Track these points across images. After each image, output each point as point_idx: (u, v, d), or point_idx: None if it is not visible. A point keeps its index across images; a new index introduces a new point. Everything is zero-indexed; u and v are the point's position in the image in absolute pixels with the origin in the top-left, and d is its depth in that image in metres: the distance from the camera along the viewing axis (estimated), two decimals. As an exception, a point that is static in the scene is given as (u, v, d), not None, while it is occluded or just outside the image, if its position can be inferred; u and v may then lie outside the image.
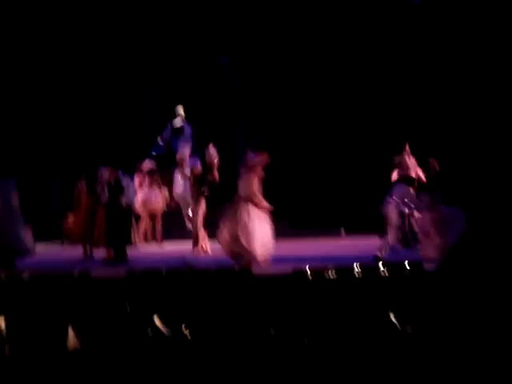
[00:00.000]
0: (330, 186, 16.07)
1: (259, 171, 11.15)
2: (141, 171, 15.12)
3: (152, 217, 15.25)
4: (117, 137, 17.06)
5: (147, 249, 14.49)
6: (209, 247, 13.20)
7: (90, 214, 13.16)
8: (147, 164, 15.31)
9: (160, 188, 15.23)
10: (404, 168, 12.36)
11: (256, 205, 10.93)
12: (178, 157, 14.71)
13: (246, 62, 16.88)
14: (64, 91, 17.28)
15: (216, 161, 13.35)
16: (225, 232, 11.00)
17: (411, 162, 12.68)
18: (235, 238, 10.81)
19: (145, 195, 15.03)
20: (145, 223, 15.13)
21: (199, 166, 13.41)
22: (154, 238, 15.20)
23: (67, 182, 16.19)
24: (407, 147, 12.59)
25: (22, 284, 9.21)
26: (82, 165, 15.13)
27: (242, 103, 17.06)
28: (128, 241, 12.55)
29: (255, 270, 9.71)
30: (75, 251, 13.47)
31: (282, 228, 15.41)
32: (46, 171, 17.14)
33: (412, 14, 16.09)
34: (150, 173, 15.18)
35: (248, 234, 10.76)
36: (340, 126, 16.33)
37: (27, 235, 11.81)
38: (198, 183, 13.22)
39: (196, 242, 13.12)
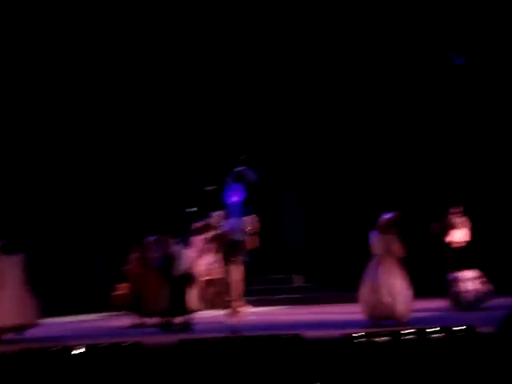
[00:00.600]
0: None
1: (394, 229, 11.21)
2: (201, 236, 14.99)
3: (215, 283, 15.13)
4: (163, 203, 17.22)
5: (203, 316, 14.37)
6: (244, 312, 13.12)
7: (141, 283, 13.28)
8: (213, 233, 15.12)
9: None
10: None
11: (395, 262, 10.99)
12: (210, 222, 14.51)
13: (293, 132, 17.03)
14: (106, 166, 17.53)
15: (257, 227, 13.41)
16: (367, 294, 11.01)
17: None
18: (378, 300, 10.84)
19: (209, 262, 14.92)
20: (208, 289, 15.03)
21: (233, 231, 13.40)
22: (216, 304, 15.10)
23: (113, 253, 16.38)
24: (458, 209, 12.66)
25: (72, 356, 9.29)
26: (127, 236, 15.31)
27: (289, 170, 17.16)
28: (185, 309, 12.52)
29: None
30: (125, 321, 13.54)
31: (332, 292, 15.41)
32: (90, 245, 17.32)
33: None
34: (213, 240, 15.03)
35: (391, 294, 10.79)
36: (384, 189, 16.34)
37: (28, 307, 12.12)
38: (234, 250, 13.16)
39: (235, 310, 12.99)
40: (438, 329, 8.00)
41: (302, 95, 16.98)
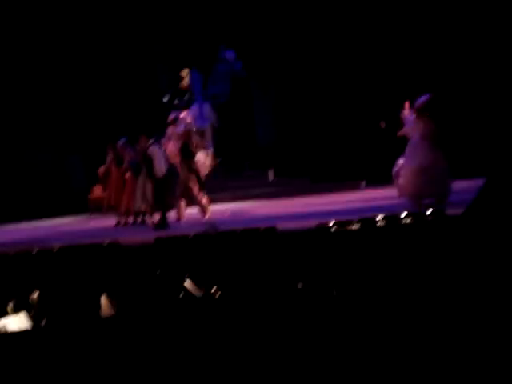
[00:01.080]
0: (347, 140, 16.11)
1: (429, 112, 11.21)
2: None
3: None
4: (133, 102, 17.12)
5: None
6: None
7: (117, 183, 13.39)
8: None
9: (207, 149, 14.95)
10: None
11: (430, 145, 11.05)
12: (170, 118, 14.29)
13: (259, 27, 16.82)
14: (78, 62, 17.38)
15: (191, 128, 13.37)
16: (406, 178, 11.11)
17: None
18: (416, 182, 10.95)
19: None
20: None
21: (181, 130, 13.28)
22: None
23: (87, 154, 16.42)
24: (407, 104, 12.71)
25: (53, 256, 9.42)
26: (101, 136, 15.30)
27: (255, 62, 17.02)
28: (167, 207, 12.62)
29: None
30: (102, 222, 13.69)
31: (304, 185, 15.57)
32: (63, 146, 17.31)
33: None
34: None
35: (428, 176, 10.92)
36: (356, 77, 16.30)
37: None
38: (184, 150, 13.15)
39: (204, 208, 13.07)
40: (408, 214, 8.18)
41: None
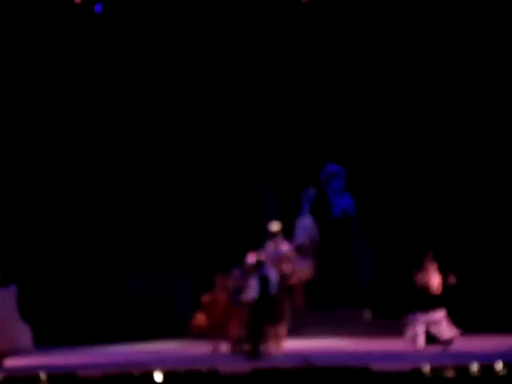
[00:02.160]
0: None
1: None
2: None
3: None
4: (238, 228, 17.45)
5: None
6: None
7: (223, 312, 13.72)
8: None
9: (312, 258, 15.13)
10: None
11: None
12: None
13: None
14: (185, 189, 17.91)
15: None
16: None
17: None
18: None
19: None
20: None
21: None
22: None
23: (194, 281, 16.84)
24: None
25: (153, 380, 9.75)
26: (209, 264, 15.78)
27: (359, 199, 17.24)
28: (261, 336, 12.85)
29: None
30: (203, 348, 13.94)
31: (400, 326, 15.60)
32: (169, 272, 17.74)
33: None
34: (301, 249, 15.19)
35: None
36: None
37: (22, 335, 12.57)
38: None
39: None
40: (503, 365, 8.20)
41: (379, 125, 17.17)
